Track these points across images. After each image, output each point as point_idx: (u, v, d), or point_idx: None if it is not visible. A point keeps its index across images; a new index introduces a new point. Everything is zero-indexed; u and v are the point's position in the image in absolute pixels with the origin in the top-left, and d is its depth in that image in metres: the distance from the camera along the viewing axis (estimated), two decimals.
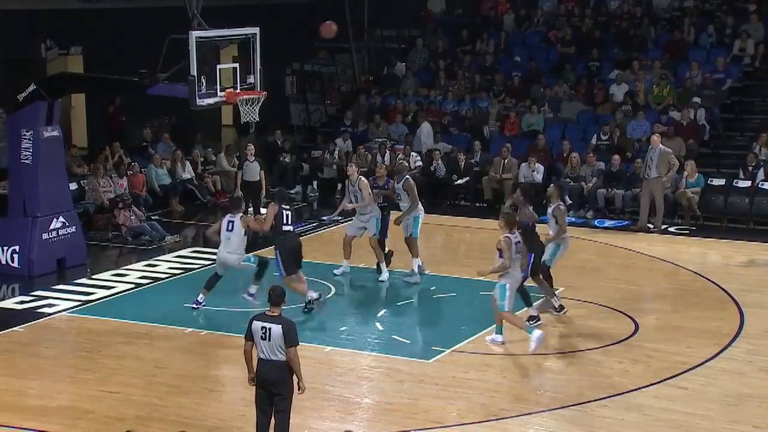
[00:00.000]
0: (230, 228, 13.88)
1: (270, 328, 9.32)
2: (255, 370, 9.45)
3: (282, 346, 9.30)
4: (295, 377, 9.38)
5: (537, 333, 12.53)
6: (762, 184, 19.88)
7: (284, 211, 14.07)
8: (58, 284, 15.68)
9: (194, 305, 14.14)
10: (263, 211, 20.38)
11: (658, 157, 18.98)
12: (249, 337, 9.46)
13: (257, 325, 9.41)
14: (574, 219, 20.07)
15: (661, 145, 19.25)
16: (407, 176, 16.00)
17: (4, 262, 16.15)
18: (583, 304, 14.67)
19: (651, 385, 11.77)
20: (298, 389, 9.45)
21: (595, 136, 22.12)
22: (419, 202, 15.82)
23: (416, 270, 15.73)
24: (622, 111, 22.62)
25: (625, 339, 13.26)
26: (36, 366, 12.30)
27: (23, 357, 12.64)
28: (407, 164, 16.73)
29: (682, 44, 24.47)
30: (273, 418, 9.37)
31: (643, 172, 19.45)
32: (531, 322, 13.15)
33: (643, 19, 25.61)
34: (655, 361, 12.54)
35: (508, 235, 12.62)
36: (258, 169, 19.28)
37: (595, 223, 19.98)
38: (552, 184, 15.53)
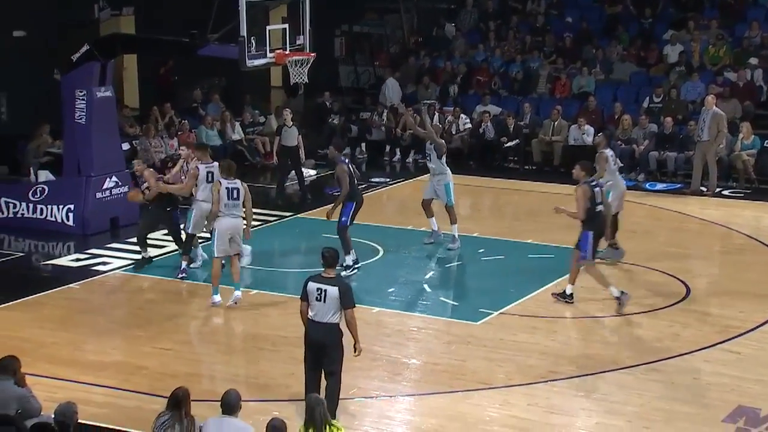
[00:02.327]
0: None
1: (326, 290, 9.35)
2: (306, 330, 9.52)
3: (337, 308, 9.34)
4: (350, 339, 9.40)
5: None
6: None
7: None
8: (112, 242, 15.92)
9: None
10: (310, 171, 20.64)
11: (711, 119, 18.75)
12: (304, 297, 9.50)
13: (312, 286, 9.43)
14: (626, 181, 19.92)
15: (714, 107, 19.00)
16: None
17: (59, 220, 16.42)
18: (633, 267, 14.61)
19: (702, 349, 11.74)
20: (355, 351, 9.49)
21: (648, 98, 21.88)
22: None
23: (456, 235, 15.53)
24: (676, 72, 22.36)
25: (677, 303, 13.20)
26: (91, 322, 12.56)
27: (79, 313, 12.91)
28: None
29: (740, 2, 24.06)
30: (324, 379, 9.44)
31: (696, 134, 19.25)
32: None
33: None
34: (706, 325, 12.49)
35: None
36: (296, 134, 19.01)
37: (647, 186, 19.85)
38: (601, 133, 15.56)
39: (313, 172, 20.96)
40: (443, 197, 15.52)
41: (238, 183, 13.02)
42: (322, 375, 9.51)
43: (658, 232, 16.91)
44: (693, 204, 18.56)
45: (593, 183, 12.70)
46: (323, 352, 9.45)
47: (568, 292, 13.01)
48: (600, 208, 12.68)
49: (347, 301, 9.36)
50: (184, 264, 14.08)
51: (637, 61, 23.33)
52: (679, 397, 10.45)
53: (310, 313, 9.48)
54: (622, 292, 12.68)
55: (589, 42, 24.15)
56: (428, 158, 15.79)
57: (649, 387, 10.67)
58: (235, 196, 12.93)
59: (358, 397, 10.45)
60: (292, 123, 19.15)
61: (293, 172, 19.30)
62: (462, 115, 22.30)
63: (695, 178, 19.29)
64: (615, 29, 24.38)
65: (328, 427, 7.72)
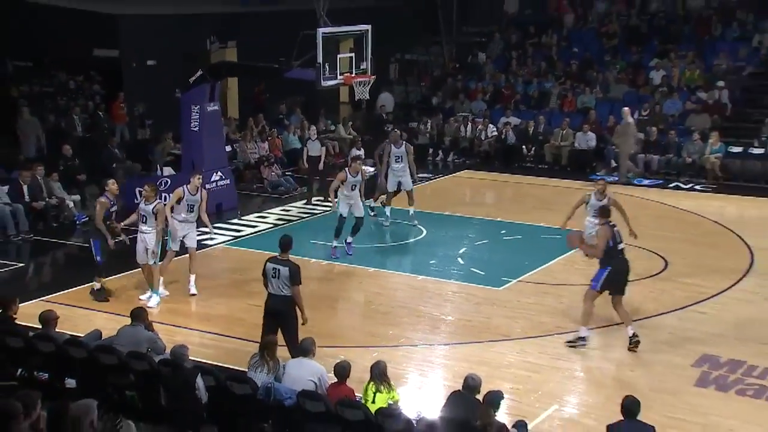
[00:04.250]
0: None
1: (279, 269, 9.15)
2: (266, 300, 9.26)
3: (288, 284, 9.09)
4: (298, 310, 9.19)
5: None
6: None
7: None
8: (217, 222, 16.03)
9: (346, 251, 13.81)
10: (369, 169, 20.51)
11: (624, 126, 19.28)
12: (264, 274, 9.28)
13: (269, 266, 9.21)
14: (617, 177, 19.77)
15: (630, 117, 19.29)
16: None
17: None
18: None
19: (676, 310, 11.65)
20: (302, 321, 9.24)
21: (637, 112, 21.57)
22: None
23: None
24: (659, 92, 22.03)
25: (657, 274, 13.10)
26: (201, 285, 12.62)
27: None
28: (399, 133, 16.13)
29: (711, 38, 23.65)
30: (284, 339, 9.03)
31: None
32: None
33: (678, 17, 24.78)
34: (680, 291, 12.38)
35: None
36: (319, 146, 17.94)
37: (635, 181, 19.57)
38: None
39: (371, 169, 20.91)
40: (407, 185, 15.45)
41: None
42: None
43: (643, 218, 16.60)
44: (671, 197, 18.30)
45: (612, 224, 10.52)
46: (278, 318, 9.20)
47: (582, 334, 10.44)
48: (621, 246, 10.44)
49: (295, 279, 9.11)
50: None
51: (629, 83, 23.01)
52: (657, 347, 10.38)
53: (268, 288, 9.26)
54: (585, 338, 10.45)
55: (591, 68, 23.87)
56: (399, 159, 15.42)
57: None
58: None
59: (405, 345, 10.50)
60: (315, 137, 18.17)
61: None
62: (489, 125, 22.17)
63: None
64: (612, 58, 24.08)
65: (385, 384, 7.72)
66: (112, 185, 11.93)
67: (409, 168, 15.51)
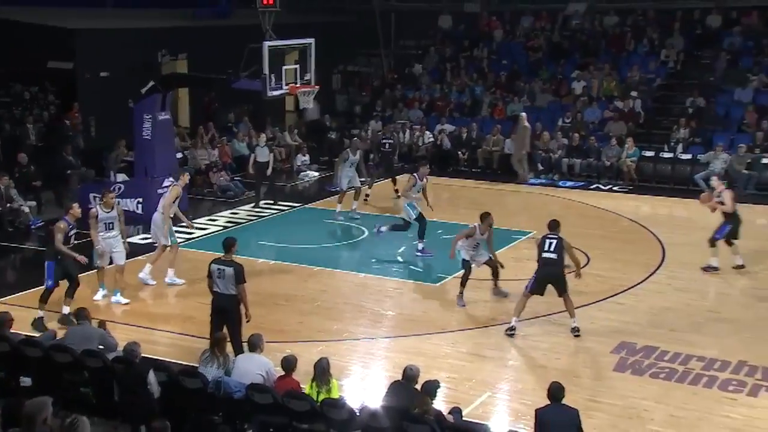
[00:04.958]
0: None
1: (224, 269, 9.03)
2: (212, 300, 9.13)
3: (234, 283, 8.96)
4: (242, 307, 9.07)
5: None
6: (680, 156, 19.70)
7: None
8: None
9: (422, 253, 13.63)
10: (313, 173, 20.46)
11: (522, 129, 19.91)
12: (209, 275, 9.11)
13: (214, 266, 9.07)
14: (544, 180, 20.04)
15: (526, 122, 19.94)
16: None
17: (131, 209, 16.22)
18: None
19: (597, 301, 11.81)
20: (247, 318, 9.12)
21: (561, 119, 21.89)
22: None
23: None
24: (580, 101, 22.37)
25: (580, 268, 13.22)
26: (156, 285, 12.43)
27: None
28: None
29: (625, 52, 24.11)
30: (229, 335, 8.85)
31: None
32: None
33: (596, 33, 25.23)
34: (600, 284, 12.54)
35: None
36: (267, 152, 17.73)
37: (560, 183, 19.85)
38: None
39: (316, 174, 20.86)
40: (357, 183, 16.27)
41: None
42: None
43: (567, 217, 16.80)
44: (592, 197, 18.58)
45: (549, 235, 10.51)
46: (225, 316, 9.07)
47: (512, 324, 10.65)
48: (546, 255, 10.39)
49: (239, 278, 8.99)
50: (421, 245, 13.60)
51: (553, 93, 23.30)
52: (580, 335, 10.51)
53: (214, 287, 9.11)
54: (514, 328, 10.61)
55: (519, 78, 24.11)
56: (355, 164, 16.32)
57: (559, 330, 10.73)
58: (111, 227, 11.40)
59: (349, 339, 10.46)
60: (264, 143, 17.99)
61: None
62: (426, 132, 22.25)
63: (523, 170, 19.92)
64: (537, 70, 24.37)
65: (325, 386, 7.57)
66: (76, 209, 10.99)
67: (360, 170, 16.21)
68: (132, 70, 19.26)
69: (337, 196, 16.46)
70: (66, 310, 10.75)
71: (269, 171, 17.66)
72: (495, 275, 11.90)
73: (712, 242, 13.17)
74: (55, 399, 5.63)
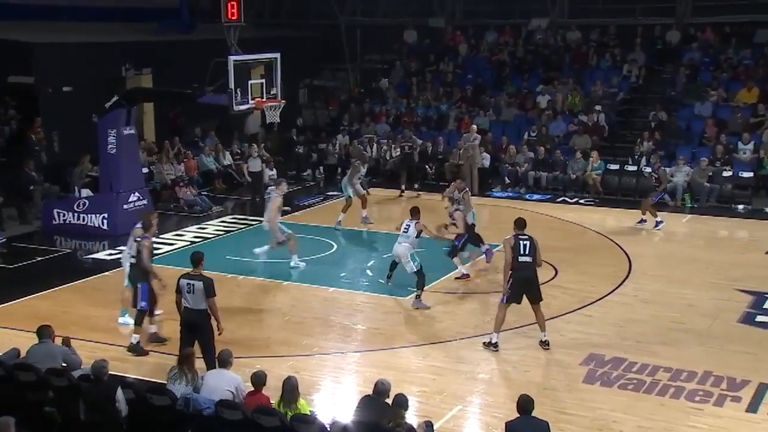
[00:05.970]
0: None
1: (194, 284, 8.96)
2: (181, 315, 9.06)
3: (204, 297, 8.88)
4: (214, 321, 9.02)
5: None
6: (644, 169, 19.89)
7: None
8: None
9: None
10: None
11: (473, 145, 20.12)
12: (178, 290, 9.03)
13: (183, 282, 8.98)
14: (511, 193, 20.20)
15: (476, 133, 20.35)
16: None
17: (96, 225, 16.15)
18: None
19: (565, 313, 11.89)
20: (218, 331, 9.07)
21: (526, 133, 22.11)
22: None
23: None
24: (545, 115, 22.61)
25: (548, 281, 13.24)
26: (120, 300, 12.29)
27: (111, 293, 12.58)
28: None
29: (588, 67, 24.46)
30: (201, 351, 8.80)
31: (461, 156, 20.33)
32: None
33: (560, 48, 25.57)
34: (568, 296, 12.64)
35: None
36: (259, 163, 19.12)
37: (526, 196, 20.02)
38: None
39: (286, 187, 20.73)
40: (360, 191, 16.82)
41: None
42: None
43: (534, 230, 16.93)
44: (559, 210, 18.75)
45: (520, 236, 10.46)
46: (196, 331, 8.98)
47: (494, 341, 10.58)
48: (522, 259, 10.34)
49: (209, 292, 8.92)
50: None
51: (518, 107, 23.54)
52: (549, 348, 10.58)
53: (184, 303, 9.02)
54: (497, 344, 10.57)
55: (484, 93, 24.32)
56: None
57: (528, 342, 10.79)
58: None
59: (319, 354, 10.41)
60: (257, 154, 19.29)
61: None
62: (393, 145, 22.31)
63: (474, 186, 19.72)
64: (503, 84, 24.60)
65: (293, 406, 7.45)
66: (154, 223, 10.73)
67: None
68: (96, 85, 19.09)
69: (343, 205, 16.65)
70: (152, 329, 10.65)
71: (266, 179, 18.33)
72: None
73: (454, 253, 13.39)
74: (18, 419, 5.52)
